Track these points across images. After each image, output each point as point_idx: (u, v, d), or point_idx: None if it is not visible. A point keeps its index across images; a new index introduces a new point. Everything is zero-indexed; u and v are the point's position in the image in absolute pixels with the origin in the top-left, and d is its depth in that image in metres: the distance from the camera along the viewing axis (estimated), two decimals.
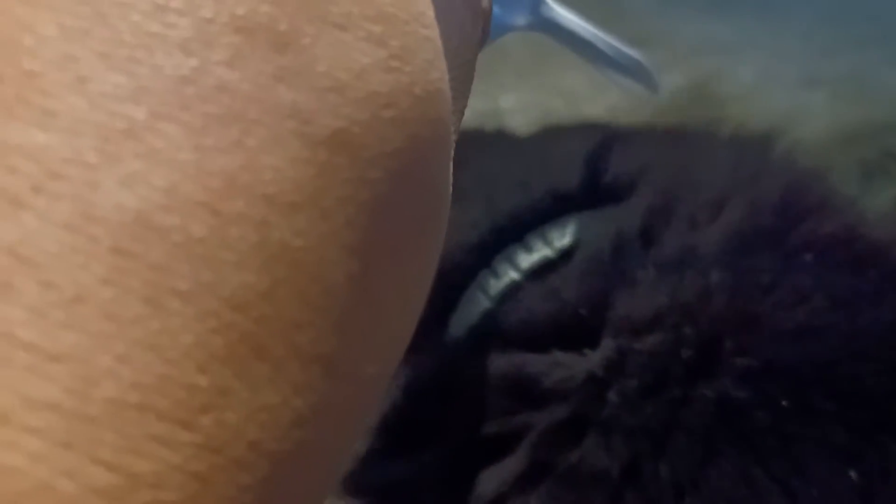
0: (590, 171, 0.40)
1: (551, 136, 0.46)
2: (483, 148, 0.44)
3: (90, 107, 0.12)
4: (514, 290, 0.37)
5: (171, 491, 0.12)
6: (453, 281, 0.39)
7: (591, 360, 0.32)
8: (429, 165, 0.17)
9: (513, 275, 0.38)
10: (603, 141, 0.41)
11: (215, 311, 0.13)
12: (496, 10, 0.25)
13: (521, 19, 0.32)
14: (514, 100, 1.06)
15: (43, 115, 0.12)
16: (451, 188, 0.18)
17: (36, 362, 0.12)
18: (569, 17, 0.33)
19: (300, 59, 0.14)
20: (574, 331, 0.34)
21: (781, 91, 1.13)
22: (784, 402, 0.30)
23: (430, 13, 0.17)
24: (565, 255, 0.38)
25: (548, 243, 0.38)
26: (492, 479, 0.32)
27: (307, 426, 0.14)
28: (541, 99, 1.08)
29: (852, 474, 0.28)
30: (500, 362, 0.34)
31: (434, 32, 0.17)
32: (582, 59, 0.35)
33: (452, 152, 0.18)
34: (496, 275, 0.39)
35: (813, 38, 1.26)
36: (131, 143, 0.12)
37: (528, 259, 0.38)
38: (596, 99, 1.08)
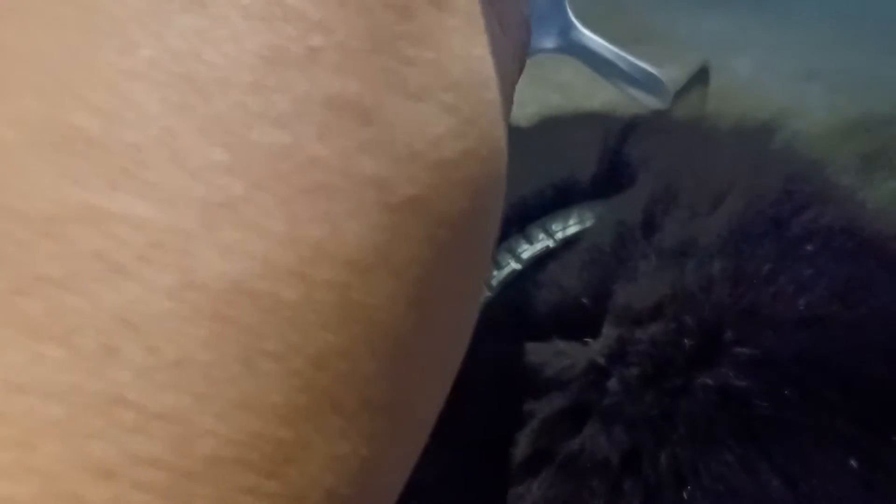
0: (592, 163, 0.40)
1: (552, 127, 0.46)
2: None
3: (190, 179, 0.13)
4: (514, 279, 0.37)
5: None
6: None
7: (592, 349, 0.33)
8: (487, 218, 0.18)
9: (514, 265, 0.38)
10: (605, 132, 0.42)
11: (301, 371, 0.13)
12: None
13: (549, 43, 0.33)
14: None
15: (145, 186, 0.13)
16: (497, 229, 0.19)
17: (141, 421, 0.12)
18: (594, 40, 0.35)
19: (382, 132, 0.15)
20: (575, 319, 0.34)
21: (779, 85, 1.13)
22: (785, 392, 0.30)
23: (493, 74, 0.18)
24: (567, 245, 0.38)
25: (549, 234, 0.39)
26: (492, 467, 0.32)
27: (373, 471, 0.15)
28: (538, 93, 1.08)
29: (853, 463, 0.29)
30: (501, 350, 0.34)
31: (496, 94, 0.18)
32: (604, 77, 0.37)
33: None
34: (497, 265, 0.39)
35: (811, 32, 1.26)
36: (229, 214, 0.13)
37: (529, 249, 0.38)
38: (593, 93, 1.08)
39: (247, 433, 0.13)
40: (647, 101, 0.36)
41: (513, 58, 0.21)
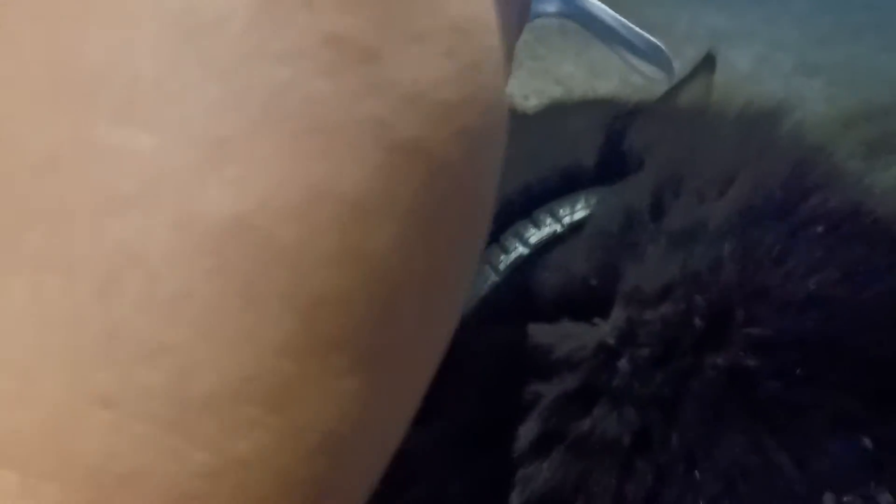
0: (598, 148, 0.41)
1: (559, 113, 0.46)
2: None
3: (191, 115, 0.13)
4: (522, 263, 0.38)
5: (261, 470, 0.13)
6: None
7: (602, 330, 0.33)
8: (486, 169, 0.18)
9: (521, 249, 0.38)
10: (612, 118, 0.42)
11: (301, 308, 0.13)
12: None
13: (551, 6, 0.33)
14: (513, 87, 1.07)
15: (146, 121, 0.13)
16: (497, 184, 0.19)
17: (142, 352, 0.12)
18: (597, 5, 0.34)
19: (383, 71, 0.14)
20: (584, 302, 0.34)
21: (778, 78, 1.13)
22: (795, 372, 0.30)
23: (495, 21, 0.17)
24: (574, 229, 0.38)
25: (557, 219, 0.39)
26: (501, 448, 0.33)
27: (371, 414, 0.15)
28: (539, 86, 1.09)
29: (865, 443, 0.29)
30: (510, 333, 0.34)
31: (498, 41, 0.17)
32: (605, 44, 0.36)
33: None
34: (505, 250, 0.39)
35: (809, 26, 1.27)
36: (229, 150, 0.13)
37: (536, 234, 0.39)
38: (593, 86, 1.08)
39: (248, 367, 0.13)
40: (648, 71, 0.36)
41: (516, 13, 0.21)
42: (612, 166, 0.40)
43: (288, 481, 0.13)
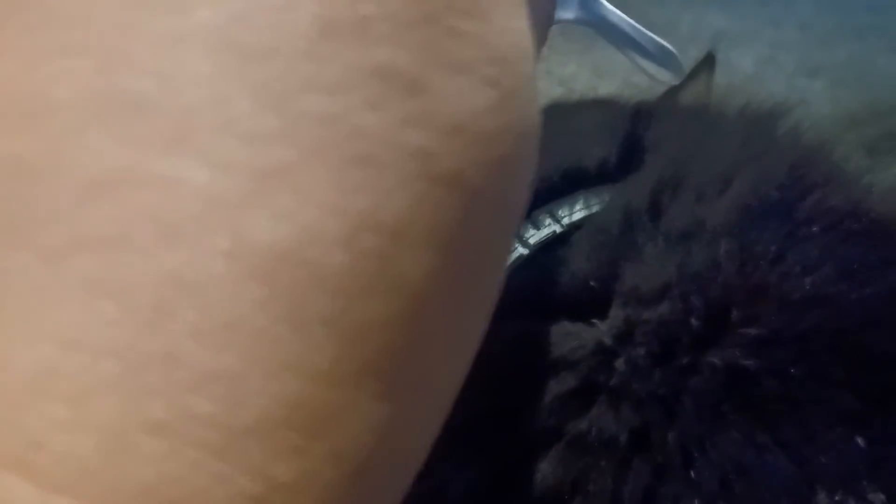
0: (598, 149, 0.41)
1: (560, 114, 0.46)
2: None
3: (242, 145, 0.13)
4: (522, 264, 0.38)
5: (302, 495, 0.13)
6: None
7: (600, 330, 0.33)
8: (519, 196, 0.18)
9: (521, 250, 0.38)
10: (611, 119, 0.42)
11: (346, 335, 0.14)
12: None
13: (569, 13, 0.33)
14: None
15: (198, 151, 0.13)
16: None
17: (194, 380, 0.13)
18: (614, 12, 0.35)
19: (427, 103, 0.15)
20: (583, 301, 0.34)
21: (781, 79, 1.13)
22: (792, 370, 0.30)
23: (531, 48, 0.18)
24: (573, 230, 0.38)
25: (556, 219, 0.39)
26: (500, 447, 0.33)
27: (406, 436, 0.16)
28: (542, 86, 1.09)
29: (860, 440, 0.29)
30: (509, 332, 0.34)
31: (533, 68, 0.18)
32: (617, 48, 0.37)
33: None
34: None
35: (812, 27, 1.27)
36: (280, 180, 0.13)
37: (536, 234, 0.39)
38: (596, 86, 1.08)
39: (292, 394, 0.13)
40: (658, 73, 0.36)
41: (541, 26, 0.21)
42: (612, 167, 0.40)
43: None
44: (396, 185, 0.14)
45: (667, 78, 0.39)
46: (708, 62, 0.47)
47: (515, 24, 0.17)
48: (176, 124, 0.13)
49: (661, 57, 0.36)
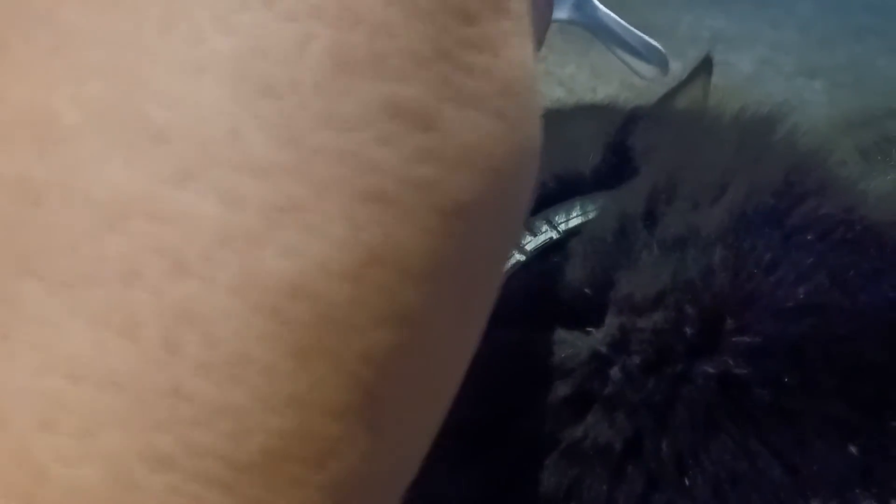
0: (594, 155, 0.41)
1: (555, 120, 0.46)
2: None
3: (255, 179, 0.13)
4: (518, 270, 0.38)
5: None
6: None
7: (595, 338, 0.33)
8: (519, 219, 0.18)
9: (517, 256, 0.39)
10: (607, 125, 0.42)
11: (350, 369, 0.14)
12: None
13: (563, 13, 0.34)
14: None
15: (210, 184, 0.13)
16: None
17: (200, 414, 0.13)
18: (608, 14, 0.35)
19: (437, 138, 0.15)
20: (578, 309, 0.34)
21: (780, 81, 1.13)
22: (785, 379, 0.30)
23: (535, 75, 0.18)
24: (570, 236, 0.38)
25: (552, 225, 0.39)
26: (497, 454, 0.33)
27: (403, 461, 0.16)
28: (541, 87, 1.09)
29: (852, 449, 0.29)
30: (505, 339, 0.34)
31: (537, 95, 0.18)
32: (606, 46, 0.37)
33: None
34: None
35: (811, 28, 1.27)
36: (291, 216, 0.13)
37: (532, 241, 0.39)
38: (595, 88, 1.08)
39: (298, 428, 0.13)
40: (648, 73, 0.37)
41: (539, 31, 0.21)
42: (608, 173, 0.40)
43: None
44: (404, 219, 0.14)
45: (654, 75, 0.39)
46: (705, 65, 0.47)
47: (522, 56, 0.17)
48: (189, 156, 0.13)
49: (648, 54, 0.36)
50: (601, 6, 0.36)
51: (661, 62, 0.39)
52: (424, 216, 0.15)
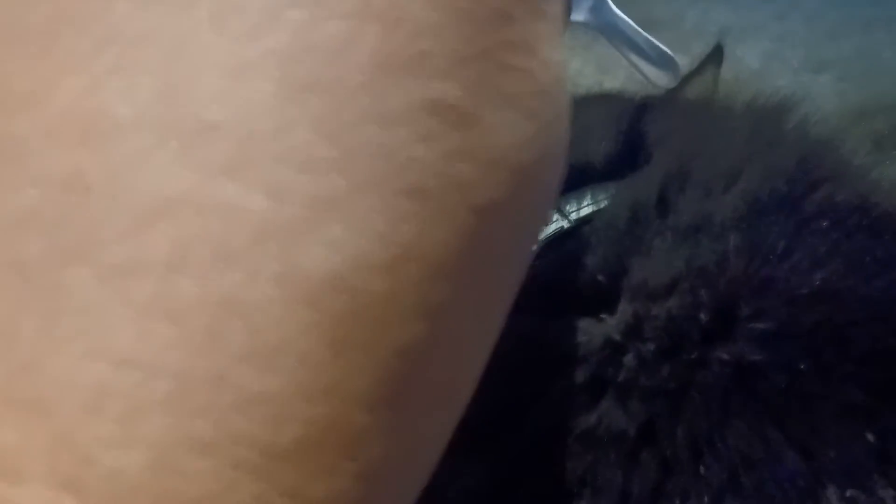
0: (605, 144, 0.41)
1: None
2: None
3: (299, 174, 0.13)
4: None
5: None
6: None
7: (609, 325, 0.33)
8: (544, 216, 0.19)
9: None
10: (618, 113, 0.42)
11: (383, 360, 0.14)
12: None
13: (579, 16, 0.34)
14: None
15: (257, 178, 0.13)
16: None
17: (241, 402, 0.13)
18: (623, 19, 0.36)
19: (474, 137, 0.15)
20: (591, 297, 0.34)
21: (787, 74, 1.13)
22: (800, 365, 0.30)
23: (566, 77, 0.18)
24: (581, 225, 0.38)
25: (564, 214, 0.39)
26: (510, 441, 0.33)
27: (429, 451, 0.17)
28: None
29: (869, 435, 0.29)
30: (518, 327, 0.34)
31: (567, 95, 0.18)
32: (618, 51, 0.38)
33: None
34: None
35: (818, 20, 1.26)
36: (333, 210, 0.14)
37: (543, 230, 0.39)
38: (601, 83, 1.08)
39: (332, 417, 0.14)
40: (659, 79, 0.37)
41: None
42: (620, 161, 0.40)
43: None
44: (439, 216, 0.15)
45: (665, 83, 0.40)
46: (716, 56, 0.47)
47: (556, 57, 0.17)
48: (237, 150, 0.13)
49: (662, 62, 0.37)
50: (617, 10, 0.36)
51: (672, 68, 0.40)
52: (458, 213, 0.15)
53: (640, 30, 0.36)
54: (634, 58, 0.37)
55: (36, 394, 0.12)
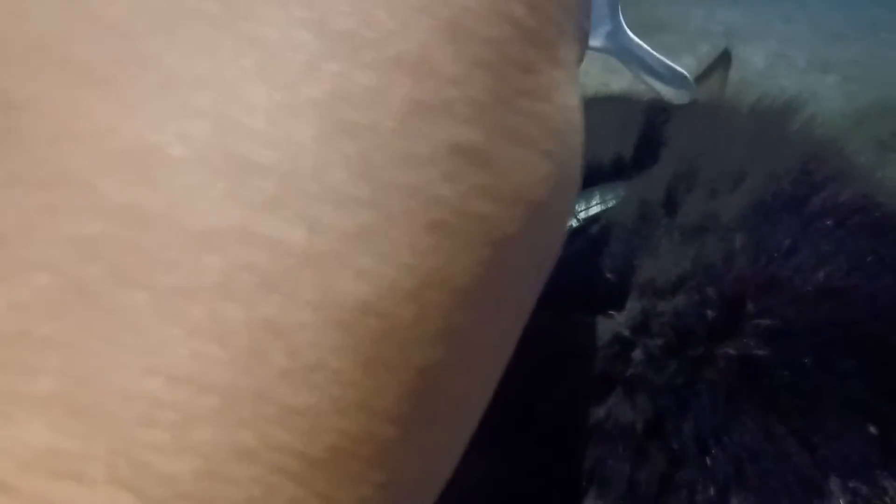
0: (613, 144, 0.41)
1: None
2: None
3: (336, 210, 0.15)
4: None
5: None
6: None
7: (617, 321, 0.34)
8: (558, 243, 0.20)
9: None
10: (626, 113, 0.42)
11: (409, 379, 0.16)
12: None
13: (596, 41, 0.35)
14: None
15: (296, 213, 0.15)
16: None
17: (281, 415, 0.14)
18: (640, 45, 0.37)
19: (493, 176, 0.16)
20: (600, 294, 0.35)
21: (793, 75, 1.13)
22: (805, 361, 0.31)
23: (582, 120, 0.19)
24: (589, 224, 0.39)
25: (572, 214, 0.40)
26: (519, 436, 0.33)
27: (447, 461, 0.18)
28: None
29: (872, 429, 0.29)
30: (528, 324, 0.35)
31: (583, 138, 0.19)
32: (633, 73, 0.39)
33: None
34: None
35: (823, 22, 1.27)
36: (365, 243, 0.15)
37: None
38: (608, 83, 1.08)
39: (362, 430, 0.15)
40: (673, 97, 0.39)
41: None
42: (628, 162, 0.41)
43: None
44: (462, 249, 0.16)
45: (680, 100, 0.41)
46: (723, 59, 0.48)
47: (572, 102, 0.19)
48: (280, 188, 0.14)
49: (677, 81, 0.38)
50: (632, 35, 0.37)
51: (687, 87, 0.41)
52: (478, 247, 0.16)
53: (654, 52, 0.37)
54: (650, 79, 0.38)
55: (96, 404, 0.14)
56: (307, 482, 0.14)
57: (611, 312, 0.34)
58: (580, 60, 0.22)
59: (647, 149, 0.41)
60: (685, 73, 0.40)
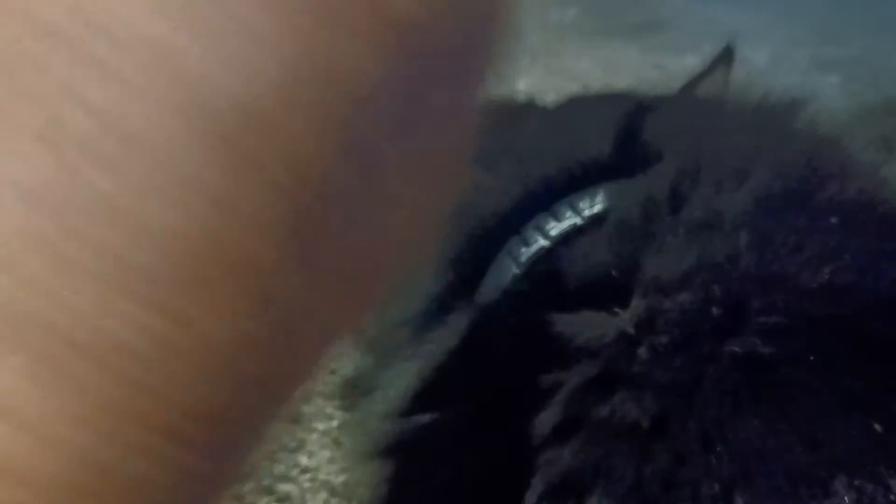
0: (618, 140, 0.41)
1: (578, 107, 0.47)
2: (514, 118, 0.45)
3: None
4: (544, 255, 0.38)
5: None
6: (483, 247, 0.40)
7: (622, 319, 0.33)
8: (477, 42, 0.17)
9: (542, 242, 0.39)
10: (631, 110, 0.42)
11: (278, 181, 0.14)
12: None
13: None
14: (530, 84, 1.07)
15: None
16: None
17: (145, 234, 0.13)
18: None
19: None
20: (605, 291, 0.35)
21: (794, 74, 1.13)
22: (810, 358, 0.31)
23: None
24: (594, 221, 0.39)
25: (577, 211, 0.40)
26: (525, 434, 0.33)
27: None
28: (556, 83, 1.09)
29: (876, 425, 0.29)
30: (532, 323, 0.35)
31: None
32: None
33: None
34: (526, 242, 0.40)
35: (825, 21, 1.27)
36: (245, 37, 0.13)
37: (557, 226, 0.39)
38: (610, 82, 1.09)
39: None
40: None
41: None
42: (632, 159, 0.41)
43: None
44: (351, 31, 0.14)
45: None
46: (726, 56, 0.48)
47: None
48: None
49: None
50: None
51: None
52: (370, 29, 0.15)
53: None
54: None
55: None
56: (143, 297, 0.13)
57: (616, 310, 0.34)
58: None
59: (652, 146, 0.41)
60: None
